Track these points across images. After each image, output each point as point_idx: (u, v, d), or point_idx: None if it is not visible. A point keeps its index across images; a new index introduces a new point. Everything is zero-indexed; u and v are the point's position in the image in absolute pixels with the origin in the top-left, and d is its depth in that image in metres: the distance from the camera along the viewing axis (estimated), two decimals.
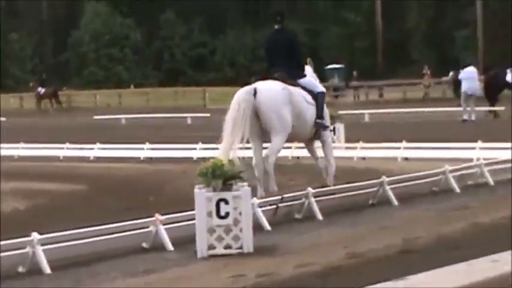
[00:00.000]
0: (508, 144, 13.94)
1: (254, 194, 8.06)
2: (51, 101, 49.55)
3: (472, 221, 8.51)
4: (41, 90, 49.63)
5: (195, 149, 17.63)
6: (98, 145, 18.88)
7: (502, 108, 26.42)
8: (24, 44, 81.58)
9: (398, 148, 15.23)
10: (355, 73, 53.03)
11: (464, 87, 26.08)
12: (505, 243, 7.14)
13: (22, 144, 20.07)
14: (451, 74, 39.15)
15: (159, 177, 14.52)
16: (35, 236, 7.20)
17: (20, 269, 7.20)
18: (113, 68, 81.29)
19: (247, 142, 10.56)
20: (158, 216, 8.11)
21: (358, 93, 49.79)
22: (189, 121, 33.91)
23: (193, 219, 7.77)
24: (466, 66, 26.90)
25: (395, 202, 9.97)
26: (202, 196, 7.60)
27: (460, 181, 11.11)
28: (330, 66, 58.86)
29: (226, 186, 7.65)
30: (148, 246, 8.06)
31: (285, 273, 6.61)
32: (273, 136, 10.48)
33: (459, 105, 27.08)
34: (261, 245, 7.67)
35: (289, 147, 16.26)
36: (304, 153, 14.01)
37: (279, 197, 9.21)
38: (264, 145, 10.95)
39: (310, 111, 10.82)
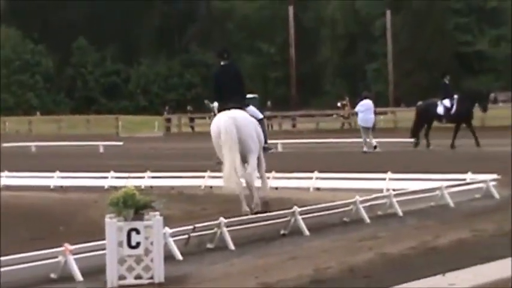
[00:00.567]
0: (416, 176, 14.29)
1: (166, 223, 8.03)
2: None
3: (381, 251, 8.65)
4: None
5: (107, 177, 17.43)
6: (6, 173, 18.46)
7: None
8: None
9: (311, 178, 15.38)
10: (269, 103, 53.52)
11: (360, 119, 27.03)
12: (412, 273, 7.30)
13: None
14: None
15: (69, 207, 14.28)
16: None
17: None
18: (23, 94, 79.92)
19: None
20: (67, 246, 7.97)
21: (272, 123, 50.20)
22: (101, 149, 33.53)
23: (104, 249, 7.67)
24: (361, 99, 27.84)
25: (307, 232, 10.05)
26: (113, 226, 7.51)
27: (370, 211, 11.30)
28: None
29: (138, 215, 7.59)
30: (57, 276, 7.90)
31: None
32: (250, 156, 11.96)
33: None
34: (172, 275, 7.62)
35: (202, 177, 16.28)
36: (217, 182, 14.09)
37: (191, 227, 9.19)
38: None
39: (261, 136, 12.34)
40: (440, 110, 25.90)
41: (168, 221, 8.26)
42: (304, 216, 10.26)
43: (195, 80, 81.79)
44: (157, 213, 7.73)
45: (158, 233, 7.64)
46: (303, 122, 50.73)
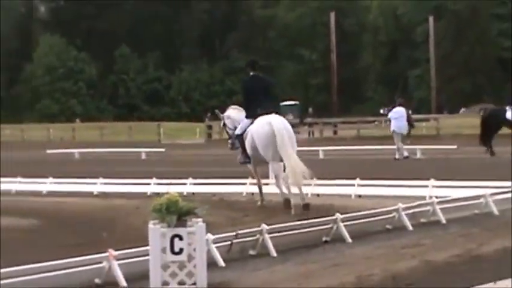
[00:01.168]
0: (460, 183, 14.16)
1: (208, 230, 8.06)
2: None
3: (424, 259, 8.58)
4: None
5: (149, 184, 17.55)
6: (51, 179, 18.69)
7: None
8: None
9: (353, 185, 15.33)
10: (310, 110, 53.44)
11: (393, 126, 27.10)
12: (457, 281, 7.23)
13: None
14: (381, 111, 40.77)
15: (112, 213, 14.39)
16: None
17: None
18: (66, 101, 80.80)
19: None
20: (111, 252, 8.05)
21: (313, 130, 50.12)
22: (143, 156, 33.77)
23: (147, 255, 7.72)
24: (394, 107, 28.12)
25: (349, 239, 10.02)
26: (157, 232, 7.56)
27: (413, 219, 11.22)
28: (284, 103, 59.26)
29: (181, 222, 7.63)
30: (101, 282, 7.98)
31: None
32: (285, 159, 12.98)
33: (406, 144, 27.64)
34: (214, 282, 7.65)
35: (244, 183, 16.31)
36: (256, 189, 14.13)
37: (233, 234, 9.21)
38: None
39: None
40: (509, 115, 25.60)
41: (210, 228, 8.28)
42: (346, 223, 10.23)
43: (236, 87, 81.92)
44: (200, 219, 7.76)
45: (201, 240, 7.66)
46: (344, 128, 50.55)
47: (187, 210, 7.71)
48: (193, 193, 16.25)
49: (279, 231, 9.65)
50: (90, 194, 17.50)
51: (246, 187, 16.20)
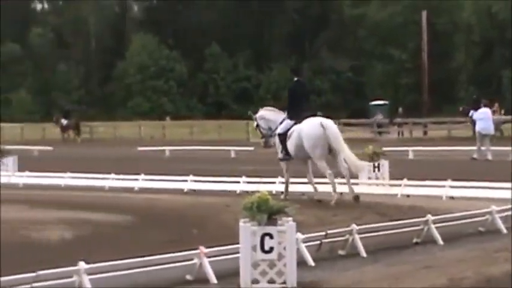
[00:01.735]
0: None
1: (298, 229, 8.08)
2: (73, 132, 51.13)
3: None
4: (64, 122, 51.46)
5: (238, 182, 17.69)
6: (143, 176, 19.03)
7: None
8: (72, 75, 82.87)
9: (443, 186, 15.10)
10: (400, 110, 52.80)
11: (480, 127, 26.90)
12: None
13: (69, 174, 20.32)
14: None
15: (202, 210, 14.54)
16: (82, 265, 7.28)
17: None
18: (157, 99, 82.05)
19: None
20: (202, 249, 8.16)
21: (402, 130, 49.52)
22: (232, 154, 34.02)
23: (238, 252, 7.80)
24: (479, 107, 27.98)
25: (441, 241, 9.89)
26: (247, 230, 7.63)
27: (507, 222, 10.99)
28: (374, 103, 58.79)
29: (271, 220, 7.67)
30: (192, 278, 8.10)
31: None
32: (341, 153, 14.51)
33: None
34: (304, 281, 7.67)
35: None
36: (347, 189, 14.13)
37: (323, 233, 9.21)
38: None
39: None
40: None
41: (299, 227, 8.30)
42: (437, 225, 10.10)
43: (325, 86, 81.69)
44: (291, 218, 7.79)
45: (291, 238, 7.70)
46: (435, 129, 49.77)
47: (278, 209, 7.76)
48: (282, 192, 16.28)
49: (369, 232, 9.61)
50: (180, 191, 17.74)
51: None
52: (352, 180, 14.90)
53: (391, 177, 17.09)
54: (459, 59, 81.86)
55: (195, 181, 18.33)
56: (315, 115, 15.11)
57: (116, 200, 16.33)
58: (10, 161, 22.96)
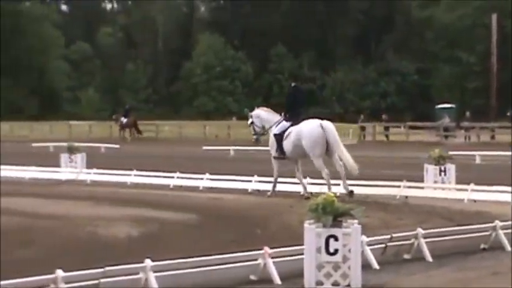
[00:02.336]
0: None
1: (362, 231, 8.03)
2: (131, 130, 51.73)
3: None
4: (123, 120, 52.12)
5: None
6: (207, 175, 19.14)
7: None
8: (139, 74, 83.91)
9: (511, 192, 14.82)
10: (467, 113, 52.02)
11: None
12: None
13: (135, 172, 20.58)
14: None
15: (266, 211, 14.56)
16: (148, 262, 7.37)
17: None
18: (222, 99, 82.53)
19: None
20: (267, 249, 8.17)
21: (469, 134, 48.78)
22: None
23: (302, 254, 7.79)
24: None
25: (509, 248, 9.71)
26: (312, 231, 7.61)
27: None
28: (440, 106, 57.99)
29: (337, 222, 7.65)
30: (256, 278, 8.12)
31: None
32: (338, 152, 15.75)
33: None
34: (369, 284, 7.61)
35: (398, 186, 16.12)
36: (413, 192, 14.00)
37: (388, 236, 9.14)
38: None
39: None
40: None
41: (364, 230, 8.25)
42: (506, 231, 9.92)
43: (390, 89, 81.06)
44: (356, 221, 7.75)
45: (356, 241, 7.66)
46: (503, 133, 48.87)
47: (344, 211, 7.73)
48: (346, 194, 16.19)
49: (435, 236, 9.49)
50: (244, 192, 17.78)
51: (400, 190, 16.00)
52: (417, 184, 15.36)
53: (457, 182, 16.86)
54: None
55: (260, 181, 18.34)
56: (310, 118, 16.17)
57: (181, 199, 16.48)
58: (78, 158, 23.37)
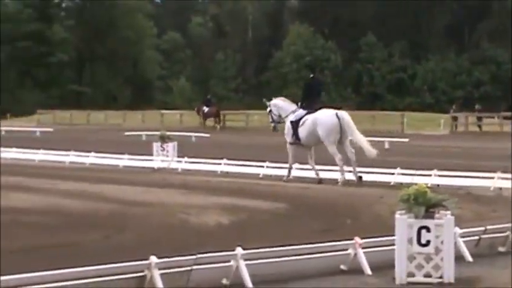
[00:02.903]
0: None
1: (455, 223, 7.90)
2: (215, 119, 52.14)
3: None
4: (205, 109, 52.62)
5: (393, 173, 17.48)
6: (297, 165, 19.13)
7: None
8: (229, 64, 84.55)
9: None
10: None
11: None
12: None
13: (225, 160, 20.76)
14: None
15: (355, 200, 14.49)
16: (239, 250, 7.43)
17: (224, 281, 7.46)
18: None
19: None
20: (358, 240, 8.13)
21: None
22: (386, 145, 33.65)
23: (393, 244, 7.72)
24: None
25: None
26: (404, 222, 7.54)
27: None
28: None
29: (429, 213, 7.55)
30: (347, 268, 8.10)
31: None
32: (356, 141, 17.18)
33: None
34: (462, 276, 7.50)
35: (492, 178, 15.80)
36: (507, 184, 13.69)
37: (482, 228, 8.97)
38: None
39: None
40: None
41: (457, 221, 8.11)
42: None
43: (484, 78, 79.34)
44: (449, 212, 7.64)
45: (449, 233, 7.54)
46: None
47: (436, 202, 7.62)
48: (438, 185, 15.99)
49: None
50: (334, 181, 17.73)
51: (494, 181, 15.68)
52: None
53: None
54: None
55: (350, 171, 18.22)
56: (325, 107, 17.62)
57: (270, 188, 16.55)
58: (170, 147, 23.73)
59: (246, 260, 7.45)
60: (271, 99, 19.42)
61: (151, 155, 23.65)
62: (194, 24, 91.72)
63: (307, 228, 11.22)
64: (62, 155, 25.10)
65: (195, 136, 39.02)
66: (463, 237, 8.62)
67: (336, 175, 17.49)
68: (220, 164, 20.66)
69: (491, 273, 7.88)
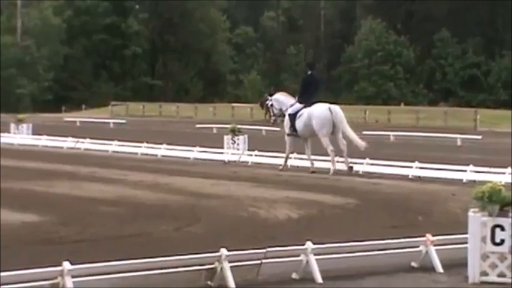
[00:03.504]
0: None
1: None
2: None
3: None
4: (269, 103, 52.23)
5: (465, 171, 17.23)
6: (367, 160, 19.02)
7: None
8: (300, 58, 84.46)
9: None
10: None
11: None
12: None
13: (294, 155, 20.72)
14: None
15: (427, 197, 14.33)
16: (309, 245, 7.41)
17: (294, 276, 7.46)
18: (383, 84, 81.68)
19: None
20: (429, 237, 8.03)
21: None
22: (458, 142, 33.19)
23: (465, 242, 7.61)
24: None
25: None
26: (477, 220, 7.41)
27: None
28: None
29: (503, 212, 7.41)
30: (417, 265, 8.01)
31: None
32: (345, 134, 18.47)
33: None
34: None
35: None
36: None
37: None
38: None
39: None
40: None
41: None
42: None
43: None
44: None
45: None
46: None
47: (511, 200, 7.47)
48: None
49: None
50: (405, 177, 17.56)
51: None
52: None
53: None
54: None
55: (420, 168, 18.03)
56: (321, 102, 18.73)
57: (340, 183, 16.49)
58: (241, 140, 23.83)
59: (315, 254, 7.43)
60: (271, 94, 20.56)
61: (222, 147, 23.78)
62: (266, 18, 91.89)
63: (377, 224, 11.14)
64: (135, 146, 25.44)
65: (266, 130, 39.08)
66: None
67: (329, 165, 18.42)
68: (290, 158, 20.64)
69: None
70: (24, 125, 33.46)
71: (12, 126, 33.47)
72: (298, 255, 7.44)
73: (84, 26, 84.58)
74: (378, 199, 14.08)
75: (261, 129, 38.27)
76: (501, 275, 7.30)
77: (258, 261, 7.17)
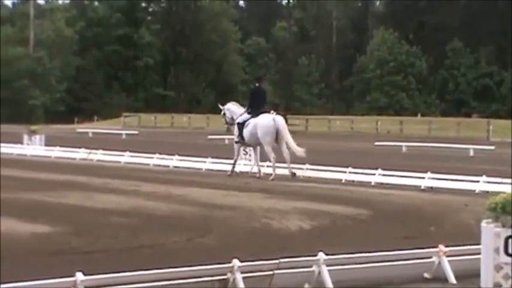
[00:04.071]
0: None
1: None
2: None
3: None
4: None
5: (478, 181, 17.17)
6: (380, 171, 18.98)
7: None
8: (312, 68, 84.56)
9: None
10: None
11: None
12: None
13: (307, 166, 20.72)
14: None
15: (439, 208, 14.28)
16: (322, 255, 7.40)
17: (306, 286, 7.44)
18: (395, 95, 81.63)
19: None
20: (442, 248, 8.01)
21: None
22: (471, 153, 33.11)
23: (478, 253, 7.58)
24: None
25: None
26: (490, 231, 7.38)
27: None
28: None
29: None
30: (430, 277, 7.98)
31: None
32: (286, 142, 19.94)
33: None
34: None
35: None
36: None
37: None
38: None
39: None
40: None
41: None
42: None
43: None
44: None
45: None
46: None
47: None
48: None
49: None
50: (417, 188, 17.51)
51: None
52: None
53: None
54: None
55: (433, 178, 17.98)
56: (268, 112, 20.23)
57: (353, 194, 16.45)
58: (252, 151, 23.79)
59: (328, 265, 7.42)
60: (224, 104, 22.28)
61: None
62: (278, 29, 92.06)
63: (390, 235, 11.10)
64: (147, 157, 25.48)
65: None
66: None
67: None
68: (302, 168, 20.64)
69: None
70: (37, 136, 33.57)
71: (25, 137, 33.58)
72: (310, 266, 7.42)
73: (96, 37, 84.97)
74: (390, 210, 14.04)
75: None
76: None
77: (271, 272, 7.16)
